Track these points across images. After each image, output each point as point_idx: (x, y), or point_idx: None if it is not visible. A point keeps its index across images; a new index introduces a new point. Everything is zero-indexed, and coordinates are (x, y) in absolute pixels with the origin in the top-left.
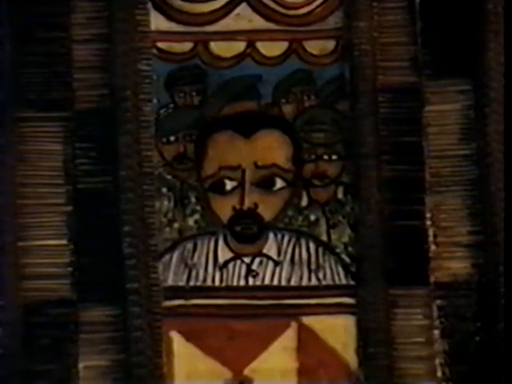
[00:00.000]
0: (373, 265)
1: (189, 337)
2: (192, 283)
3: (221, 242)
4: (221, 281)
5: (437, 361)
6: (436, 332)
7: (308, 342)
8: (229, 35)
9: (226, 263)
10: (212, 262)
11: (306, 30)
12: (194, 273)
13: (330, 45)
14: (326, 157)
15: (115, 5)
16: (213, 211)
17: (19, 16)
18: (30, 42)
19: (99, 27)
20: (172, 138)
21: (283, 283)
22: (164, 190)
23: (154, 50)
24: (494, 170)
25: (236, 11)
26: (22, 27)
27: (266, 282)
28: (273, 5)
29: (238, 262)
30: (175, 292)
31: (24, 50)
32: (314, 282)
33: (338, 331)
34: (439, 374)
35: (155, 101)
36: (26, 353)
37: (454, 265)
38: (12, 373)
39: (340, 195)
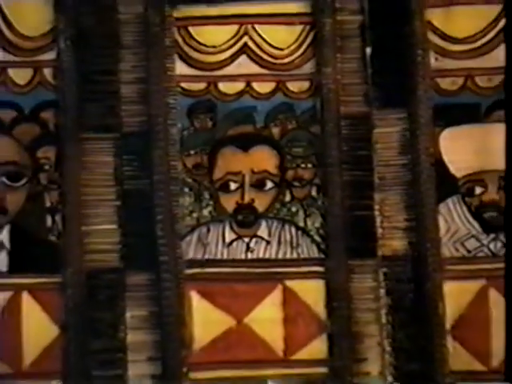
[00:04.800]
0: (337, 243)
1: (204, 295)
2: (206, 257)
3: (227, 227)
4: (227, 255)
5: (382, 311)
6: (382, 291)
7: (290, 299)
8: (232, 78)
9: (231, 242)
10: (221, 242)
11: (289, 74)
12: (207, 249)
13: (306, 85)
14: (303, 165)
15: (151, 56)
16: (221, 205)
17: (83, 64)
18: (89, 83)
19: (139, 72)
20: (192, 152)
21: (272, 256)
22: (186, 189)
23: (179, 89)
24: (423, 175)
25: (238, 61)
26: (85, 72)
27: (260, 255)
28: (265, 56)
29: (240, 241)
30: (194, 263)
31: (86, 89)
32: (294, 255)
33: (312, 291)
34: (384, 320)
35: (179, 125)
36: (89, 305)
37: (394, 243)
38: (79, 319)
39: (314, 193)
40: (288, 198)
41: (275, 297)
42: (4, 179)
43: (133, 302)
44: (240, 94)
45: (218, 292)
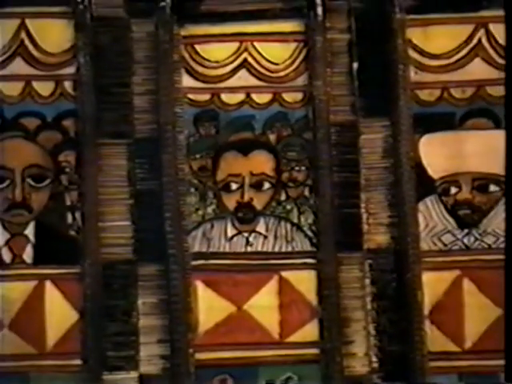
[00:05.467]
0: (327, 237)
1: (208, 284)
2: (210, 250)
3: (229, 223)
4: (229, 248)
5: (367, 299)
6: (367, 280)
7: (285, 288)
8: (233, 90)
9: (232, 237)
10: (223, 236)
11: (284, 86)
12: (211, 243)
13: (299, 96)
14: (297, 168)
15: (160, 70)
16: (223, 203)
17: (99, 77)
18: (105, 94)
19: (150, 85)
20: (197, 156)
21: (269, 250)
22: (192, 189)
23: (185, 99)
24: (404, 177)
25: (238, 74)
26: (101, 85)
27: (259, 249)
28: (262, 70)
29: (240, 236)
30: (199, 255)
31: (102, 99)
32: (289, 249)
33: (304, 280)
34: (369, 307)
35: (186, 132)
36: (104, 293)
37: (378, 237)
38: (96, 305)
39: (306, 193)
40: (283, 197)
41: (272, 286)
42: (29, 180)
43: (144, 290)
44: (240, 104)
45: (220, 281)
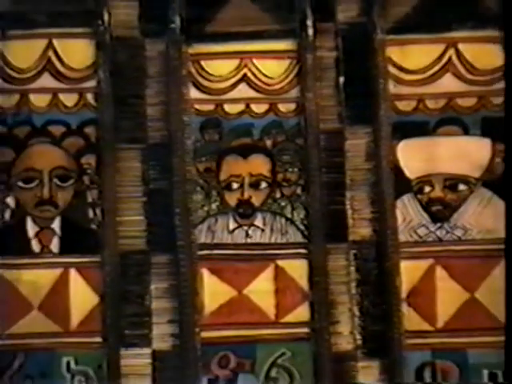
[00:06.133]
0: (317, 231)
1: (212, 272)
2: (214, 241)
3: (231, 218)
4: (231, 240)
5: (352, 284)
6: (352, 268)
7: (280, 275)
8: (234, 101)
9: (233, 230)
10: (226, 229)
11: (279, 98)
12: (215, 235)
13: (292, 106)
14: (290, 170)
15: (170, 84)
16: (226, 200)
17: (117, 90)
18: (122, 105)
19: (161, 96)
20: (203, 159)
21: (266, 241)
22: (198, 188)
23: (192, 109)
24: (384, 177)
25: (238, 87)
26: (119, 96)
27: (257, 240)
28: (260, 84)
29: (241, 229)
30: (204, 246)
31: (119, 109)
32: (283, 240)
33: (297, 268)
34: (353, 291)
35: (193, 138)
36: (122, 280)
37: (362, 230)
38: (114, 290)
39: (298, 191)
40: (278, 195)
41: (268, 273)
42: (56, 180)
43: (156, 277)
44: (241, 113)
45: (223, 269)
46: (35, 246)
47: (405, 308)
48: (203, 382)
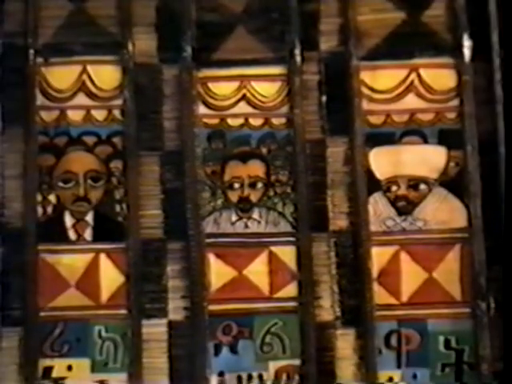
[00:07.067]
0: (303, 222)
1: (218, 256)
2: (219, 231)
3: (233, 212)
4: (233, 230)
5: (332, 266)
6: (332, 253)
7: (273, 259)
8: (236, 116)
9: (235, 222)
10: (229, 221)
11: (272, 113)
12: (220, 226)
13: (284, 120)
14: (281, 172)
15: (183, 102)
16: (229, 198)
17: (140, 107)
18: (144, 119)
19: (176, 112)
20: (210, 164)
21: (261, 231)
22: (206, 187)
23: (201, 123)
24: (359, 178)
25: (239, 105)
26: (141, 112)
27: (254, 230)
28: (256, 102)
29: (241, 221)
30: (211, 235)
31: (141, 123)
32: (276, 230)
33: (287, 253)
34: (333, 272)
35: (201, 146)
36: (143, 262)
37: (340, 222)
38: (137, 271)
39: (288, 190)
40: (272, 193)
41: (263, 257)
42: (89, 181)
43: (171, 260)
44: (241, 126)
45: (226, 254)
46: (72, 235)
47: (375, 286)
48: (210, 346)
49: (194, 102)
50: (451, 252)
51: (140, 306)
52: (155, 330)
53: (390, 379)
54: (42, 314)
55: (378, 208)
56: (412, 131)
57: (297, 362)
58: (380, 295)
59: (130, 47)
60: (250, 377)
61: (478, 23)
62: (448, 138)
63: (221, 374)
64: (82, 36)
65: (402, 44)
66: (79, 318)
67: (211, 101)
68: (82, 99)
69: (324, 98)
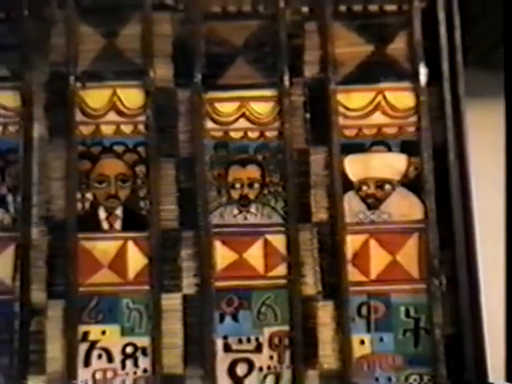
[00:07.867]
0: (292, 216)
1: (223, 243)
2: (224, 222)
3: (235, 207)
4: (235, 222)
5: (315, 251)
6: (315, 240)
7: (267, 245)
8: (237, 129)
9: (236, 215)
10: (231, 215)
11: (267, 128)
12: (224, 218)
13: (275, 133)
14: (274, 175)
15: (194, 119)
16: (231, 196)
17: (159, 123)
18: (162, 132)
19: (188, 129)
20: (216, 168)
21: (258, 222)
22: (213, 187)
23: (209, 135)
24: (335, 180)
25: (239, 121)
26: (160, 127)
27: (252, 222)
28: (254, 118)
29: (241, 214)
30: (217, 226)
31: (161, 135)
32: (269, 222)
33: (279, 240)
34: (316, 255)
35: (209, 154)
36: (162, 248)
37: (321, 215)
38: (158, 255)
39: (280, 190)
40: (266, 192)
41: (259, 243)
42: (119, 182)
43: (185, 246)
44: (241, 138)
45: (230, 241)
46: (105, 225)
47: (349, 267)
48: (216, 315)
49: (203, 118)
50: (411, 239)
51: (160, 283)
52: (172, 302)
53: (362, 341)
54: (81, 289)
55: (351, 204)
56: (379, 142)
57: (286, 328)
58: (353, 274)
59: (152, 74)
60: (248, 339)
61: (431, 55)
62: (408, 148)
63: (225, 338)
64: (112, 65)
65: (371, 71)
66: (111, 292)
67: (217, 117)
68: (112, 116)
69: (308, 115)
